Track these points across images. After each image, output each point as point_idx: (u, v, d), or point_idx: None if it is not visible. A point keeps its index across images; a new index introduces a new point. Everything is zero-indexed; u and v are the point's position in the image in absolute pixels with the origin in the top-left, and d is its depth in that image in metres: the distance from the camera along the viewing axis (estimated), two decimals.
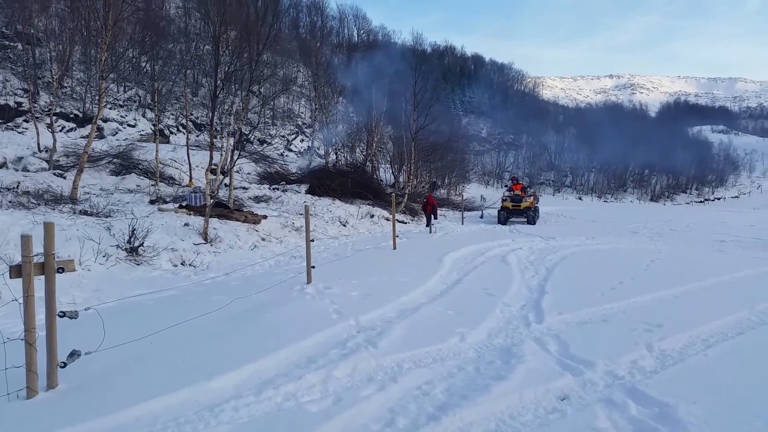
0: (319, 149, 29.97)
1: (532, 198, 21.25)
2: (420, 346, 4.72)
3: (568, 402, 3.66)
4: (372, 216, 17.95)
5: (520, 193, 21.04)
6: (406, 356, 4.49)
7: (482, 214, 24.07)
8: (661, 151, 64.39)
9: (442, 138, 34.64)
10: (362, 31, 62.81)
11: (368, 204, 19.92)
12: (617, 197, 56.45)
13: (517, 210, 20.40)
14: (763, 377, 4.01)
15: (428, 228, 16.97)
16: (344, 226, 15.93)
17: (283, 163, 26.35)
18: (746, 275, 8.46)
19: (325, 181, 20.22)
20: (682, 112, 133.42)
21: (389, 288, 7.05)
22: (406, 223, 19.41)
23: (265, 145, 33.25)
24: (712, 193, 64.54)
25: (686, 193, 63.89)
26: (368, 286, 7.21)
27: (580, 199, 50.82)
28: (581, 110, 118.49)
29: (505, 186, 23.79)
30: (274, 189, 19.57)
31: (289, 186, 20.77)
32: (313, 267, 7.52)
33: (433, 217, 18.29)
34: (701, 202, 57.61)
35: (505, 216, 20.31)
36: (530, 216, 20.10)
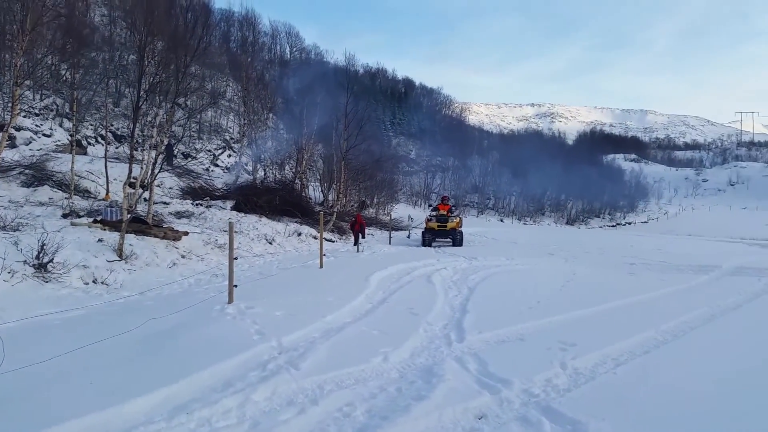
0: (247, 165, 29.35)
1: (458, 219, 20.25)
2: (343, 366, 4.70)
3: (486, 421, 3.75)
4: (299, 234, 17.76)
5: (446, 213, 19.77)
6: (328, 377, 4.45)
7: (409, 234, 24.36)
8: (577, 177, 67.96)
9: (372, 158, 34.97)
10: (295, 49, 62.67)
11: (296, 222, 19.69)
12: (536, 220, 58.89)
13: (443, 231, 19.24)
14: (667, 394, 4.28)
15: (356, 247, 16.98)
16: (270, 243, 15.65)
17: (208, 178, 25.57)
18: (653, 296, 9.02)
19: (252, 198, 19.80)
20: (597, 141, 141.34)
21: (314, 307, 6.99)
22: (333, 241, 19.34)
23: (189, 159, 32.22)
24: (624, 218, 68.58)
25: (600, 217, 67.57)
26: (293, 305, 7.11)
27: (502, 221, 52.60)
28: (505, 136, 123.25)
29: (430, 206, 22.96)
30: (197, 205, 18.94)
31: (213, 202, 20.17)
32: (236, 286, 7.33)
33: (361, 236, 18.34)
34: (613, 226, 61.08)
35: (429, 237, 19.21)
36: (456, 238, 19.03)
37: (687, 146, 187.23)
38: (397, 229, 26.41)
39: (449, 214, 19.98)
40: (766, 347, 5.87)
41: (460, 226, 20.15)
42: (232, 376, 4.43)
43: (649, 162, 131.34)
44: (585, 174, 71.61)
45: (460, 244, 18.87)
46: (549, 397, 4.14)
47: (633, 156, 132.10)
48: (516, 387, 4.32)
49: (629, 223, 64.22)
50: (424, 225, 20.84)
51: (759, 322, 7.21)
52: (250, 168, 28.27)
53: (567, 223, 60.55)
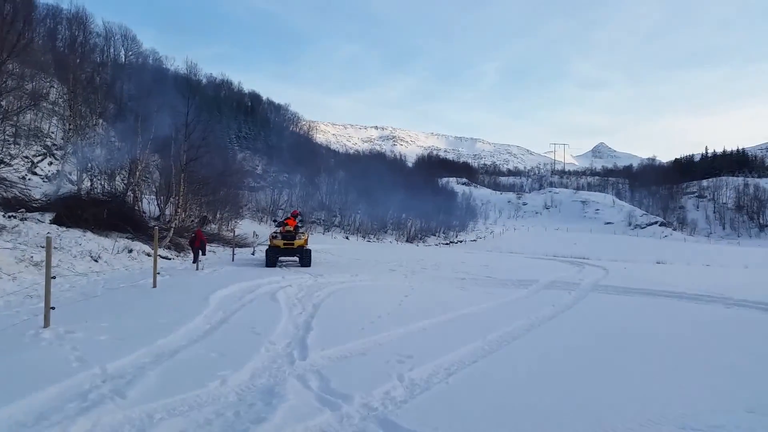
0: (71, 174, 26.47)
1: (305, 236, 18.62)
2: (176, 393, 4.40)
3: None
4: (131, 251, 16.40)
5: (293, 230, 18.14)
6: (159, 405, 4.14)
7: (254, 251, 23.72)
8: (416, 198, 71.84)
9: (215, 171, 33.57)
10: (131, 53, 58.08)
11: (127, 237, 18.16)
12: (379, 237, 60.93)
13: (290, 249, 17.58)
14: (493, 399, 4.64)
15: (195, 264, 16.12)
16: (96, 261, 14.23)
17: (24, 187, 22.61)
18: (481, 309, 9.78)
19: (77, 211, 17.85)
20: (434, 165, 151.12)
21: (145, 330, 6.48)
22: (170, 259, 18.15)
23: (2, 165, 28.21)
24: (456, 237, 73.80)
25: (435, 235, 71.97)
26: (120, 328, 6.53)
27: (347, 238, 53.56)
28: (351, 156, 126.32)
29: (274, 221, 21.68)
30: (10, 217, 16.62)
31: (30, 214, 17.84)
32: (53, 308, 6.55)
33: (201, 253, 17.44)
34: (447, 244, 65.39)
35: (274, 256, 17.21)
36: (304, 257, 17.44)
37: (510, 172, 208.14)
38: (241, 246, 25.60)
39: (296, 230, 18.39)
40: (576, 353, 6.65)
41: (307, 244, 18.53)
42: (47, 408, 3.93)
43: (478, 186, 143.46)
44: (423, 195, 75.93)
45: (308, 264, 17.34)
46: (387, 410, 4.27)
47: (464, 180, 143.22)
48: (356, 402, 4.39)
49: (461, 241, 69.28)
50: (268, 242, 18.94)
51: (570, 330, 8.16)
52: (74, 178, 25.57)
53: (407, 240, 63.45)
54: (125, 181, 25.66)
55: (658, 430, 4.03)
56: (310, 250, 17.91)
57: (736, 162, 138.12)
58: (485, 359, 6.06)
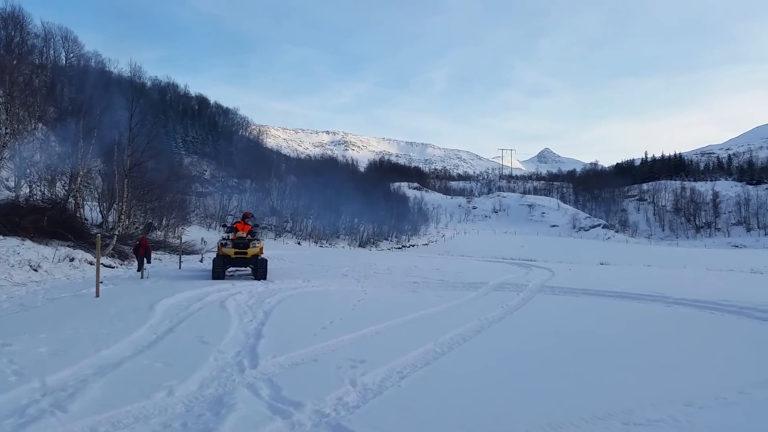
0: (8, 180, 25.20)
1: (261, 243, 16.28)
2: (121, 405, 4.26)
3: None
4: (72, 259, 15.76)
5: (245, 235, 15.77)
6: (102, 418, 4.01)
7: (202, 258, 23.18)
8: (368, 203, 72.03)
9: (161, 176, 32.65)
10: (72, 55, 55.86)
11: (68, 246, 17.43)
12: (332, 243, 60.69)
13: (242, 258, 15.28)
14: (444, 401, 4.71)
15: (140, 273, 15.63)
16: (36, 271, 13.61)
17: None
18: (432, 312, 9.88)
19: (14, 218, 17.00)
20: (385, 170, 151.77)
21: (87, 341, 6.25)
22: (114, 267, 17.54)
23: None
24: (408, 241, 74.35)
25: (388, 240, 72.27)
26: (61, 340, 6.27)
27: (299, 243, 53.08)
28: (302, 161, 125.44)
29: (223, 225, 18.81)
30: None
31: None
32: None
33: (146, 260, 16.91)
34: (400, 248, 65.83)
35: (222, 267, 14.88)
36: (259, 267, 15.05)
37: (460, 177, 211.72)
38: (188, 253, 25.00)
39: (250, 236, 15.95)
40: (525, 353, 6.82)
41: (263, 252, 16.18)
42: None
43: (429, 190, 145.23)
44: (375, 200, 76.27)
45: (264, 276, 14.90)
46: (339, 416, 4.26)
47: (416, 184, 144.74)
48: (308, 409, 4.36)
49: (413, 246, 69.87)
50: (216, 250, 16.63)
51: (519, 330, 8.37)
52: (11, 184, 24.36)
53: (360, 245, 63.45)
54: (66, 188, 24.65)
55: (603, 425, 4.19)
56: (266, 260, 15.53)
57: (674, 166, 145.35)
58: (437, 361, 6.14)
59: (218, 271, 14.73)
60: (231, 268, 15.69)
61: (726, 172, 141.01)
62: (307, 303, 10.58)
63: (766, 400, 5.00)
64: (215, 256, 15.59)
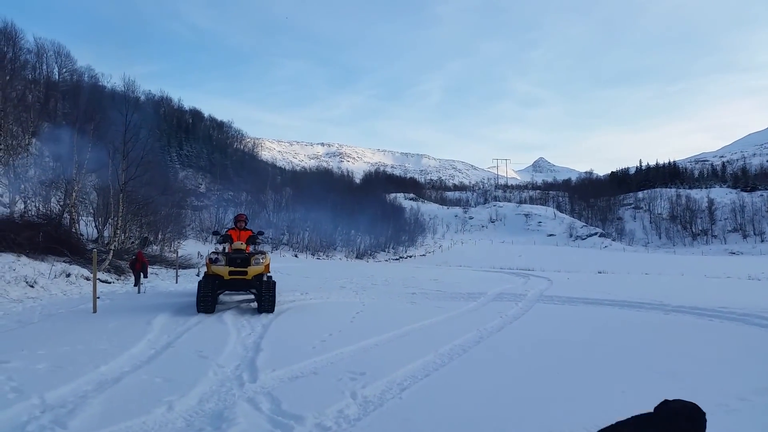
0: (2, 197, 25.13)
1: (267, 258, 11.37)
2: (121, 420, 4.22)
3: None
4: (68, 275, 15.67)
5: (244, 246, 11.05)
6: None
7: (199, 271, 23.11)
8: (364, 214, 72.03)
9: (156, 190, 32.62)
10: (65, 70, 55.96)
11: (64, 261, 17.34)
12: (329, 255, 60.62)
13: (241, 281, 10.65)
14: (445, 412, 4.68)
15: (137, 287, 15.56)
16: (32, 287, 13.52)
17: None
18: (431, 323, 9.85)
19: (9, 234, 16.92)
20: (381, 181, 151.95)
21: (86, 357, 6.20)
22: (110, 282, 17.46)
23: None
24: (405, 252, 74.32)
25: (385, 251, 72.25)
26: (59, 356, 6.22)
27: (296, 256, 53.01)
28: (297, 173, 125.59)
29: (214, 233, 13.30)
30: None
31: None
32: None
33: (142, 275, 16.86)
34: (397, 259, 65.78)
35: (213, 293, 10.29)
36: (265, 293, 10.30)
37: (456, 187, 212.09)
38: (185, 267, 24.91)
39: (250, 246, 11.54)
40: (525, 362, 6.81)
41: (269, 270, 11.61)
42: None
43: (425, 201, 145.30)
44: (371, 211, 76.24)
45: (271, 307, 10.35)
46: (341, 428, 4.23)
47: (412, 195, 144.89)
48: (309, 422, 4.33)
49: (410, 257, 69.86)
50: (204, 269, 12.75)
51: (518, 340, 8.34)
52: (6, 200, 24.29)
53: (357, 257, 63.40)
54: (61, 203, 24.57)
55: None
56: (274, 283, 10.69)
57: (669, 174, 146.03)
58: (437, 372, 6.11)
59: (206, 301, 10.11)
60: (225, 293, 11.47)
61: (720, 179, 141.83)
62: (305, 316, 10.52)
63: None
64: (203, 277, 10.82)
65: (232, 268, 10.56)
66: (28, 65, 47.06)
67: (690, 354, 7.42)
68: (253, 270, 10.67)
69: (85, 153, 23.71)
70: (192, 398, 4.93)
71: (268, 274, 11.32)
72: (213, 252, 11.44)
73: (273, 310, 10.38)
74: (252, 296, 11.36)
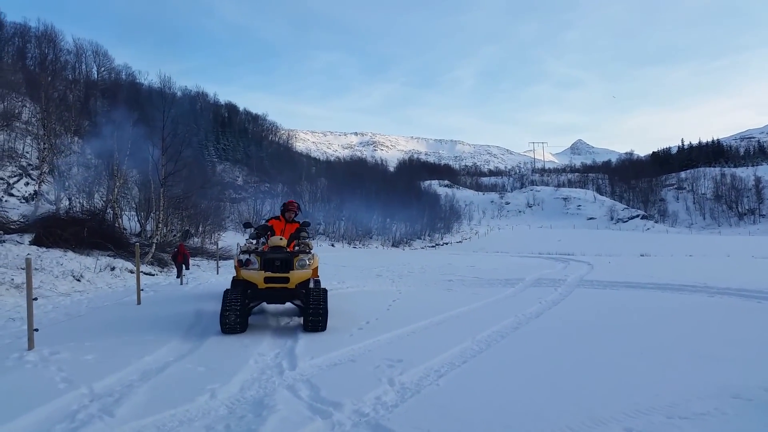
0: (48, 194, 26.09)
1: (315, 259, 8.74)
2: (165, 409, 4.33)
3: None
4: (113, 268, 16.20)
5: (285, 242, 8.23)
6: (148, 422, 4.08)
7: None
8: (399, 202, 71.99)
9: (195, 184, 33.32)
10: (103, 69, 57.58)
11: (109, 255, 17.93)
12: (365, 243, 60.92)
13: (281, 289, 7.79)
14: (483, 399, 4.63)
15: (179, 279, 15.97)
16: (78, 281, 14.03)
17: (1, 209, 22.24)
18: (469, 309, 9.78)
19: (56, 230, 17.59)
20: (415, 168, 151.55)
21: (131, 348, 6.39)
22: (153, 275, 17.96)
23: None
24: (441, 239, 73.98)
25: (421, 239, 72.10)
26: (106, 347, 6.43)
27: (332, 245, 53.46)
28: (331, 163, 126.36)
29: (247, 225, 9.79)
30: None
31: (8, 236, 17.54)
32: (36, 330, 6.43)
33: (185, 267, 17.30)
34: (433, 246, 65.57)
35: (242, 307, 7.45)
36: (313, 304, 7.52)
37: (491, 173, 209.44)
38: (225, 259, 25.40)
39: (296, 242, 8.91)
40: (565, 348, 6.69)
41: (317, 275, 9.29)
42: (35, 431, 3.86)
43: (461, 187, 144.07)
44: (406, 199, 76.12)
45: (323, 325, 7.56)
46: (378, 415, 4.24)
47: (446, 182, 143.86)
48: (347, 408, 4.36)
49: (446, 244, 69.49)
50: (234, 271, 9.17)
51: (558, 326, 8.21)
52: (52, 197, 25.21)
53: (393, 245, 63.50)
54: (104, 199, 25.36)
55: (646, 419, 4.06)
56: (325, 291, 7.84)
57: (713, 153, 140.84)
58: (475, 359, 6.06)
59: (232, 319, 7.37)
60: (260, 303, 8.31)
61: None
62: (342, 304, 10.59)
63: None
64: (231, 283, 8.83)
65: (270, 274, 7.74)
66: (68, 65, 48.57)
67: (736, 337, 7.16)
68: (297, 275, 7.83)
69: (125, 149, 24.39)
70: (234, 386, 5.02)
71: (316, 279, 8.97)
72: (243, 250, 8.37)
73: (325, 328, 7.58)
74: (297, 306, 8.06)
